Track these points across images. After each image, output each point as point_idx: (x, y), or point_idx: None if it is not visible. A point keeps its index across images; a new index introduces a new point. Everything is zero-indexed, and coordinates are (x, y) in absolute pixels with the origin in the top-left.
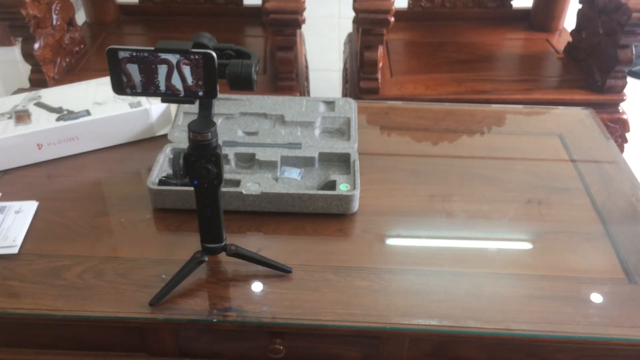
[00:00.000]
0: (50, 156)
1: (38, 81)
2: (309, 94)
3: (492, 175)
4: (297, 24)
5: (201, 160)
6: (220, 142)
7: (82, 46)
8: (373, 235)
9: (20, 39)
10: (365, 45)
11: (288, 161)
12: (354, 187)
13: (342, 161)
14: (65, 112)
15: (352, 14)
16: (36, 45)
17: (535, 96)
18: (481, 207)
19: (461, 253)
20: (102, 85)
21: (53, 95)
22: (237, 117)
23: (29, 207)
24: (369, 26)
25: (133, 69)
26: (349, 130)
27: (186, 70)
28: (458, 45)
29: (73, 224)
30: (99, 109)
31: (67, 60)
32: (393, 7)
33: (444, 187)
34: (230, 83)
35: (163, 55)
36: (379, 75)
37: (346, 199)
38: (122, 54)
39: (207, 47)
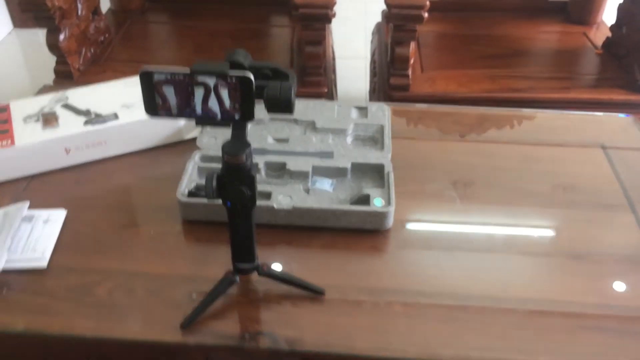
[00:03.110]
0: (78, 160)
1: (63, 73)
2: (336, 87)
3: (532, 190)
4: (327, 18)
5: (235, 182)
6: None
7: (106, 35)
8: (409, 253)
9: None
10: (396, 41)
11: (320, 171)
12: (388, 203)
13: (375, 172)
14: (93, 116)
15: None
16: (61, 37)
17: (573, 95)
18: (521, 223)
19: (502, 274)
20: (129, 87)
21: (80, 96)
22: (267, 123)
23: (58, 216)
24: (401, 22)
25: (168, 92)
26: (382, 139)
27: (223, 93)
28: (491, 38)
29: (102, 234)
30: (127, 113)
31: (92, 50)
32: (427, 2)
33: (481, 202)
34: (269, 106)
35: (200, 78)
36: (410, 72)
37: (380, 216)
38: (157, 77)
39: (242, 66)
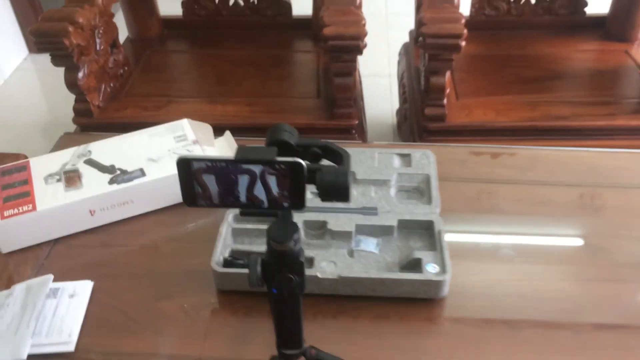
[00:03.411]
0: (103, 221)
1: (82, 111)
2: (364, 115)
3: (598, 245)
4: (358, 50)
5: (282, 269)
6: None
7: (125, 68)
8: (468, 326)
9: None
10: (431, 71)
11: (363, 230)
12: (443, 269)
13: (424, 228)
14: (118, 172)
15: (400, 9)
16: (80, 75)
17: (619, 122)
18: (590, 283)
19: (576, 353)
20: (154, 137)
21: (103, 149)
22: None
23: (84, 289)
24: (437, 51)
25: (209, 180)
26: (428, 190)
27: (271, 180)
28: (527, 59)
29: (131, 309)
30: (153, 167)
31: (112, 85)
32: (465, 31)
33: (542, 260)
34: (323, 194)
35: (244, 165)
36: (445, 101)
37: (435, 284)
38: (196, 165)
39: (289, 145)
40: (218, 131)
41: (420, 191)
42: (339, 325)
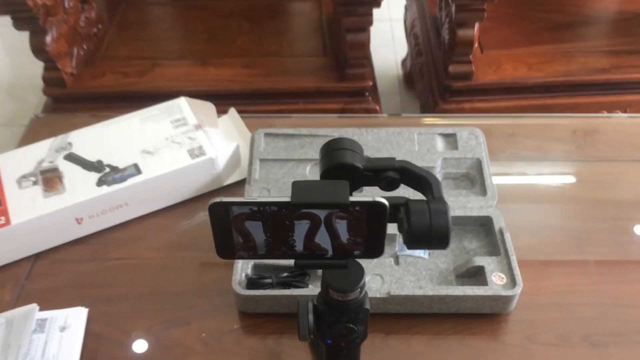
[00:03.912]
0: (92, 230)
1: (53, 80)
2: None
3: None
4: (376, 1)
5: (342, 319)
6: None
7: (99, 26)
8: (542, 346)
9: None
10: (458, 22)
11: None
12: (512, 280)
13: (479, 225)
14: (107, 170)
15: None
16: (48, 38)
17: None
18: None
19: None
20: (147, 122)
21: (86, 140)
22: None
23: (77, 318)
24: (467, 0)
25: (254, 227)
26: (481, 177)
27: (340, 225)
28: (555, 1)
29: (138, 343)
30: (150, 162)
31: (85, 47)
32: None
33: (619, 256)
34: (411, 239)
35: (305, 210)
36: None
37: (504, 300)
38: (236, 210)
39: (354, 168)
40: (214, 99)
41: (471, 179)
42: (390, 349)
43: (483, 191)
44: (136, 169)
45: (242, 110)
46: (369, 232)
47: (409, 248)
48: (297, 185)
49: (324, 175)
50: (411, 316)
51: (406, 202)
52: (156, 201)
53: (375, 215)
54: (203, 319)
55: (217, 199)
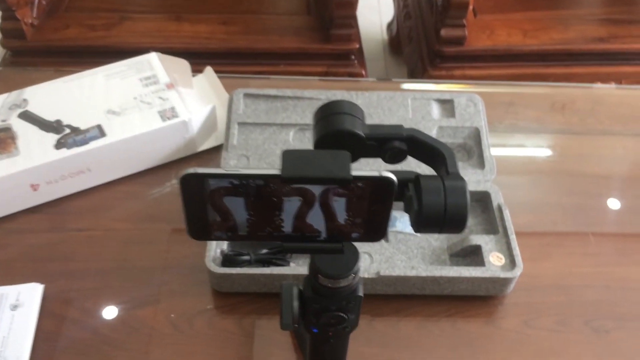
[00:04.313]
0: (50, 197)
1: (12, 31)
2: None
3: None
4: None
5: (331, 307)
6: None
7: None
8: (539, 330)
9: None
10: None
11: (399, 205)
12: (511, 261)
13: (476, 200)
14: (68, 131)
15: None
16: None
17: None
18: None
19: None
20: (113, 78)
21: (45, 97)
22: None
23: (31, 296)
24: None
25: (234, 204)
26: (479, 148)
27: (337, 203)
28: None
29: (101, 324)
30: (115, 123)
31: None
32: None
33: (621, 235)
34: (421, 222)
35: (297, 185)
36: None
37: (502, 282)
38: (213, 183)
39: (356, 136)
40: (188, 58)
41: (468, 149)
42: (377, 333)
43: (481, 163)
44: (100, 131)
45: (219, 71)
46: (371, 212)
47: (417, 232)
48: (288, 156)
49: (319, 143)
50: (400, 298)
51: (417, 178)
52: (122, 167)
53: (380, 193)
54: (173, 298)
55: (191, 170)
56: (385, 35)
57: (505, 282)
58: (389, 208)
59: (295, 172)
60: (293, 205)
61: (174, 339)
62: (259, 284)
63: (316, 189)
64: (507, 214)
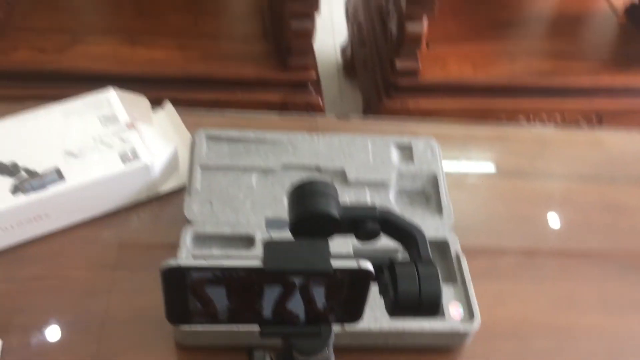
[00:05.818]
0: (4, 243)
1: None
2: None
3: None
4: None
5: None
6: (258, 218)
7: None
8: None
9: None
10: (409, 16)
11: (362, 253)
12: (469, 312)
13: (434, 248)
14: (24, 175)
15: None
16: None
17: (605, 81)
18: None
19: None
20: (71, 117)
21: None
22: (279, 174)
23: None
24: None
25: (216, 293)
26: (436, 194)
27: (317, 291)
28: None
29: None
30: (74, 165)
31: None
32: None
33: (573, 281)
34: (395, 308)
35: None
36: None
37: (461, 336)
38: (196, 276)
39: (331, 218)
40: (144, 84)
41: (427, 196)
42: None
43: (439, 210)
44: (58, 175)
45: (176, 99)
46: (349, 298)
47: (392, 317)
48: (269, 248)
49: (295, 225)
50: (364, 350)
51: (391, 264)
52: (81, 211)
53: (358, 282)
54: (135, 354)
55: (172, 262)
56: (339, 57)
57: (464, 335)
58: (367, 294)
59: (278, 264)
60: (273, 293)
61: None
62: (225, 337)
63: (297, 279)
64: (464, 262)
